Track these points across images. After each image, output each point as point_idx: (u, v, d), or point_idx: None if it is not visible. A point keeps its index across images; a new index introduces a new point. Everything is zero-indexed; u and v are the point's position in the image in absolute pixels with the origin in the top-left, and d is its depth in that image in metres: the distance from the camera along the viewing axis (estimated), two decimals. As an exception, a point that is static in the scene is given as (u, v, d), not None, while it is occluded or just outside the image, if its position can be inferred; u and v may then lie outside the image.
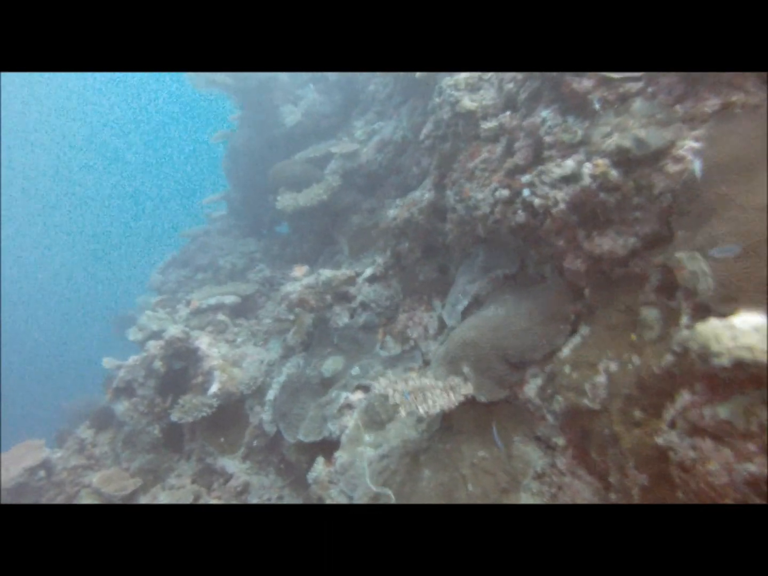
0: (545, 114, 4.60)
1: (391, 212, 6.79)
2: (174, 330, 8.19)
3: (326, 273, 7.00)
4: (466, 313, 5.52)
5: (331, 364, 6.63)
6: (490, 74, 5.63)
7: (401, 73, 8.67)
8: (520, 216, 4.56)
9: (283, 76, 11.82)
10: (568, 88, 4.36)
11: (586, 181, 4.03)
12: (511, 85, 5.22)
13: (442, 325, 6.03)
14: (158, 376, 8.18)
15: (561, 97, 4.59)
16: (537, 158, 4.60)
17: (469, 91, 5.59)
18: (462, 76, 5.66)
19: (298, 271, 8.10)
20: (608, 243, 4.00)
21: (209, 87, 11.27)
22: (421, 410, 4.29)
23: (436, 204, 6.17)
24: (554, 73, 4.56)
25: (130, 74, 45.49)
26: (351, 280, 7.00)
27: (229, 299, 9.08)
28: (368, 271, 7.09)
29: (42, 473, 8.37)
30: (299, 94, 11.49)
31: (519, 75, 5.19)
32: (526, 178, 4.52)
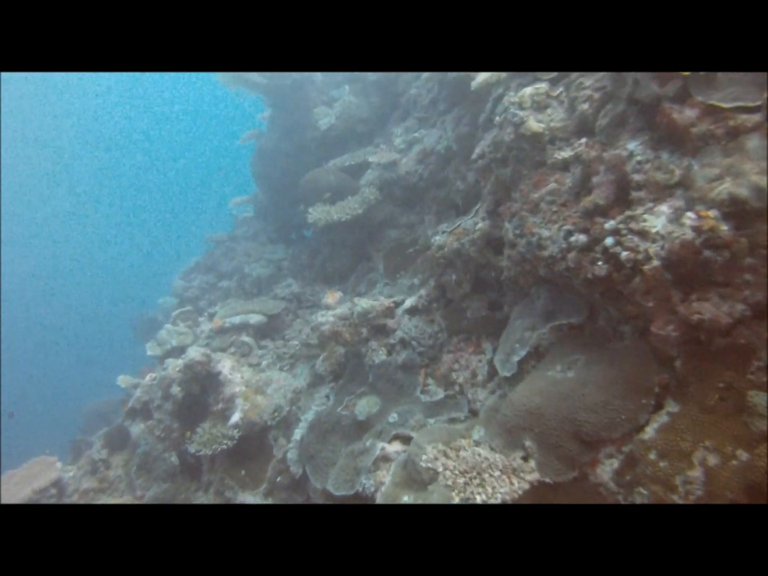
0: (633, 146, 3.89)
1: (438, 239, 6.09)
2: (194, 353, 7.59)
3: (362, 303, 6.33)
4: (523, 365, 4.83)
5: (365, 406, 5.97)
6: (559, 90, 4.91)
7: (447, 78, 7.95)
8: (601, 268, 3.85)
9: (318, 76, 11.15)
10: (666, 118, 3.65)
11: (688, 234, 3.34)
12: (585, 106, 4.50)
13: (492, 372, 5.34)
14: (176, 402, 7.61)
15: (652, 126, 3.88)
16: (621, 199, 3.89)
17: (535, 109, 4.87)
18: (527, 92, 4.94)
19: (331, 297, 7.45)
20: (709, 309, 3.30)
21: (238, 85, 10.61)
22: (479, 499, 3.62)
23: (491, 235, 5.47)
24: (644, 98, 3.84)
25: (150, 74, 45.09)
26: (389, 312, 6.33)
27: (255, 319, 8.45)
28: (409, 302, 6.41)
29: (53, 491, 7.98)
30: (334, 96, 10.81)
31: (595, 94, 4.48)
32: (610, 224, 3.80)
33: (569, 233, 4.14)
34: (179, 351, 8.88)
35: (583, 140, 4.42)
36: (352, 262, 9.14)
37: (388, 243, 8.47)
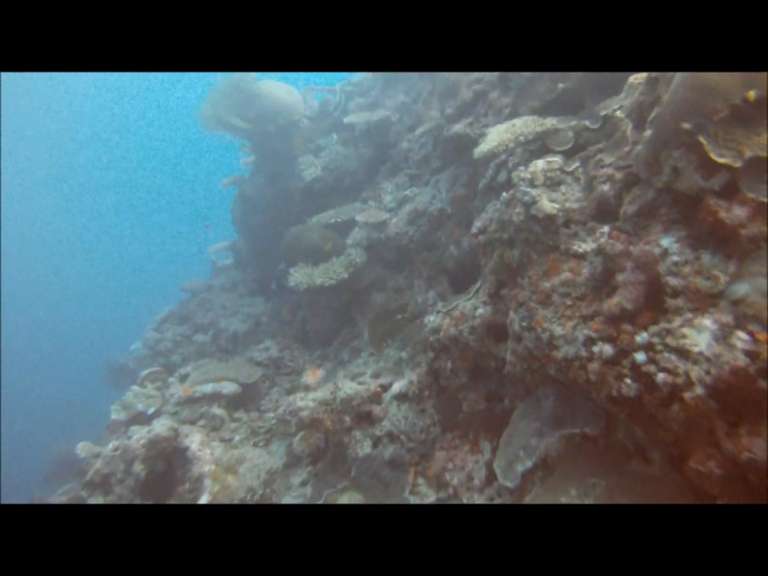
0: (667, 243, 3.34)
1: (432, 320, 5.49)
2: (160, 427, 6.90)
3: (346, 388, 5.69)
4: (528, 477, 4.21)
5: (347, 503, 5.31)
6: (574, 165, 4.38)
7: (442, 135, 7.43)
8: (630, 388, 3.26)
9: (305, 123, 10.63)
10: (712, 216, 3.10)
11: (740, 360, 2.77)
12: (605, 187, 3.97)
13: (491, 476, 4.71)
14: (138, 479, 6.88)
15: (688, 219, 3.34)
16: (653, 305, 3.33)
17: (547, 187, 4.33)
18: (539, 166, 4.40)
19: (312, 375, 6.79)
20: (762, 447, 2.72)
21: (220, 129, 10.07)
22: None
23: (493, 322, 4.88)
24: (685, 189, 3.29)
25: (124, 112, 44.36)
26: (376, 397, 5.70)
27: (228, 389, 7.74)
28: (397, 386, 5.77)
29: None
30: (321, 144, 10.26)
31: (617, 173, 3.96)
32: (642, 338, 3.22)
33: (591, 340, 3.55)
34: (146, 417, 8.19)
35: (606, 229, 3.87)
36: (336, 326, 8.51)
37: (375, 308, 7.86)
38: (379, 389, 5.77)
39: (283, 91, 10.52)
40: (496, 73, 6.58)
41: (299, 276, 7.53)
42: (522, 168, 4.48)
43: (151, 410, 8.25)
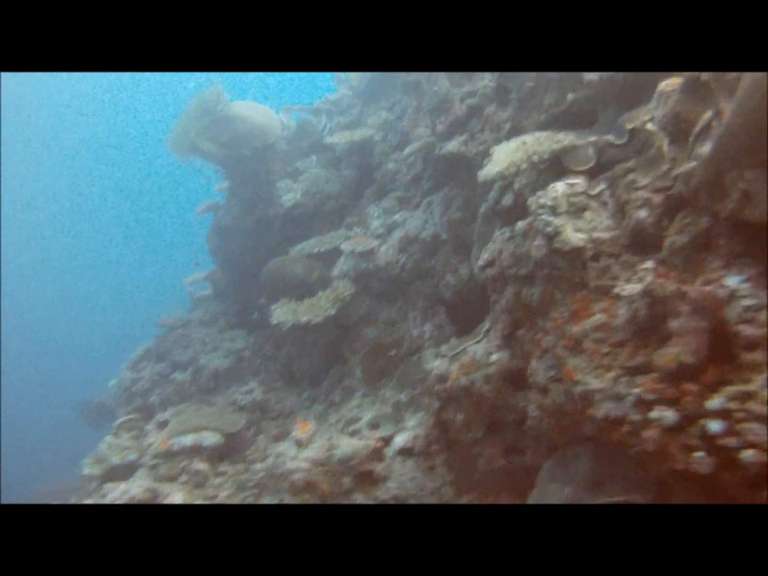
0: (734, 282, 2.76)
1: (437, 366, 4.87)
2: (136, 489, 6.23)
3: (343, 446, 5.04)
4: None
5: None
6: (600, 188, 3.80)
7: (433, 153, 6.84)
8: (701, 464, 2.66)
9: (282, 144, 9.98)
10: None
11: None
12: (642, 214, 3.40)
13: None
14: (112, 549, 6.17)
15: (757, 252, 2.76)
16: (721, 359, 2.74)
17: (572, 214, 3.73)
18: (560, 190, 3.81)
19: (302, 429, 6.10)
20: None
21: (191, 155, 9.42)
22: None
23: (510, 368, 4.27)
24: (751, 214, 2.70)
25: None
26: (377, 453, 5.05)
27: (209, 440, 7.00)
28: (400, 440, 5.12)
29: None
30: (299, 167, 9.63)
31: (655, 197, 3.39)
32: (715, 403, 2.62)
33: (645, 402, 2.94)
34: (123, 470, 7.47)
35: (650, 264, 3.28)
36: (324, 364, 7.82)
37: (366, 343, 7.22)
38: (379, 444, 5.12)
39: (258, 112, 9.90)
40: (491, 85, 6.01)
41: (283, 313, 6.87)
42: (541, 194, 3.87)
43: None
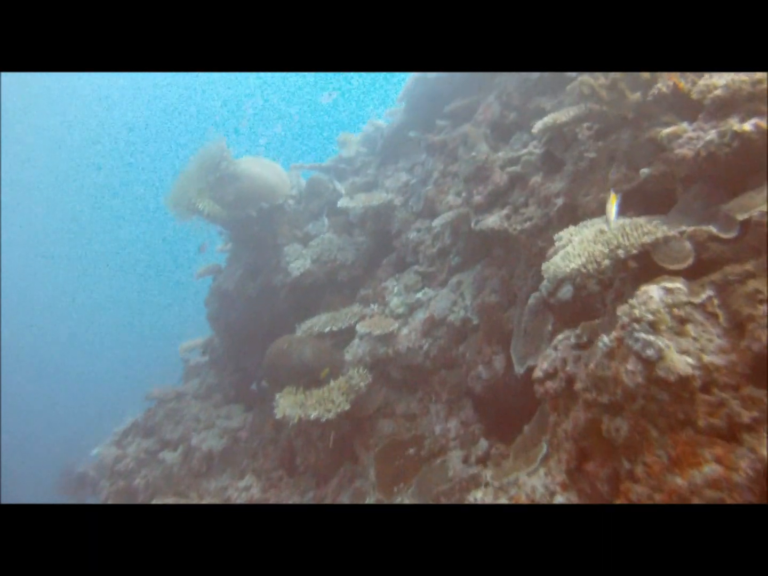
0: None
1: (479, 498, 3.92)
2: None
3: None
4: None
5: None
6: (705, 294, 2.92)
7: (467, 227, 5.99)
8: None
9: (291, 205, 9.18)
10: None
11: None
12: (780, 338, 2.51)
13: None
14: None
15: None
16: None
17: (673, 331, 2.85)
18: (656, 297, 2.92)
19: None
20: None
21: (193, 216, 8.61)
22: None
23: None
24: None
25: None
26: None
27: None
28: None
29: None
30: (310, 231, 8.81)
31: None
32: None
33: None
34: None
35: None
36: (332, 460, 6.85)
37: (382, 439, 6.26)
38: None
39: (266, 169, 9.14)
40: (537, 152, 5.22)
41: (288, 405, 5.92)
42: (636, 303, 2.97)
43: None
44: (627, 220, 3.50)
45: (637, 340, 2.84)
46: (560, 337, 3.74)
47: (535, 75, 6.00)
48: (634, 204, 4.05)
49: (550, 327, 4.40)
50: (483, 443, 5.56)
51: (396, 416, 6.41)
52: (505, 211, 5.26)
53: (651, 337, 2.78)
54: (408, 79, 9.10)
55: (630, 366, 2.87)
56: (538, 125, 4.77)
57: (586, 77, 4.34)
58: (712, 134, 3.36)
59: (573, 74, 5.31)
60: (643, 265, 3.35)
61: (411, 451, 6.03)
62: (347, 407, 5.83)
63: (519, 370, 4.74)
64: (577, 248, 3.36)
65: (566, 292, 4.06)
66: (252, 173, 8.84)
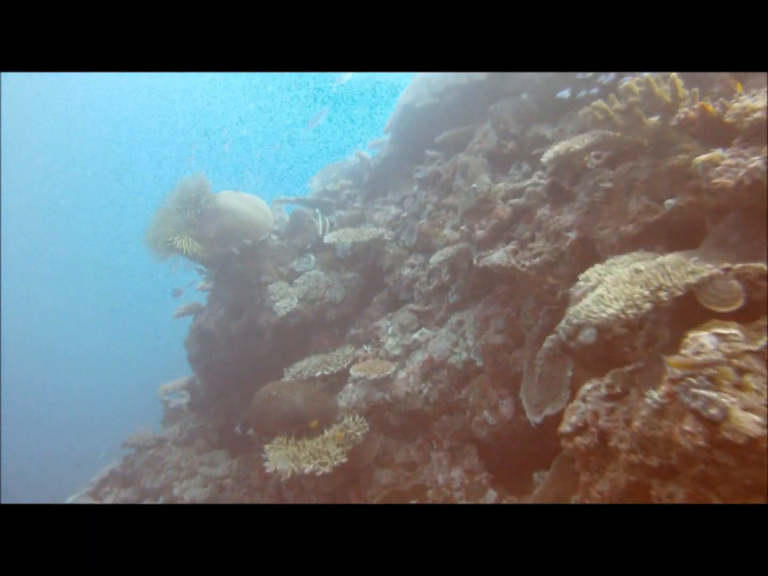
0: None
1: None
2: None
3: None
4: None
5: None
6: (764, 340, 2.56)
7: (469, 263, 5.64)
8: None
9: (275, 241, 8.80)
10: None
11: None
12: None
13: None
14: None
15: None
16: None
17: (734, 385, 2.49)
18: (708, 343, 2.56)
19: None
20: None
21: (171, 255, 8.17)
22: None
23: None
24: None
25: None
26: None
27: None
28: None
29: None
30: (295, 268, 8.41)
31: None
32: None
33: None
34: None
35: None
36: (327, 513, 6.41)
37: (380, 490, 5.84)
38: None
39: (248, 203, 8.73)
40: (543, 183, 4.90)
41: (279, 459, 5.45)
42: (690, 353, 2.60)
43: None
44: (664, 258, 3.16)
45: (695, 396, 2.47)
46: (588, 386, 3.37)
47: (532, 101, 5.72)
48: (660, 238, 3.73)
49: (569, 373, 4.04)
50: (492, 494, 5.19)
51: (394, 465, 5.99)
52: (510, 246, 4.91)
53: (713, 394, 2.42)
54: (394, 108, 8.81)
55: (688, 426, 2.49)
56: (548, 154, 4.45)
57: (599, 102, 4.05)
58: (756, 161, 3.04)
59: (566, 97, 5.06)
60: (680, 306, 3.00)
61: (411, 502, 5.62)
62: (344, 460, 5.40)
63: (534, 419, 4.36)
64: (612, 291, 2.99)
65: (589, 335, 3.70)
66: (233, 208, 8.43)
